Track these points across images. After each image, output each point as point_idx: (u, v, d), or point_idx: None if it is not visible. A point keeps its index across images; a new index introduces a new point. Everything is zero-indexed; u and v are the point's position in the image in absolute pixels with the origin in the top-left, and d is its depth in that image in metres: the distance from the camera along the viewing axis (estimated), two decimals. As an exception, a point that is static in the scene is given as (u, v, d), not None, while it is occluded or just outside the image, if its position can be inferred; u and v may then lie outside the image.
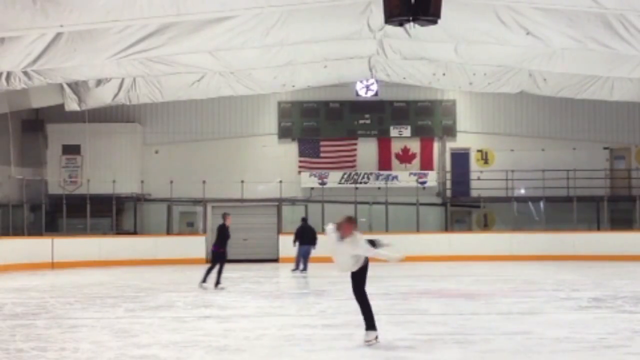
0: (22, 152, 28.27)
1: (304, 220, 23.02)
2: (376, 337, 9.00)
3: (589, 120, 29.91)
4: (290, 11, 16.85)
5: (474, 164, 30.05)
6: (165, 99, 25.68)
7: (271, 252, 27.76)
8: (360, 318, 11.36)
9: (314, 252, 21.43)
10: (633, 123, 29.98)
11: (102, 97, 24.84)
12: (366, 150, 29.86)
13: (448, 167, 30.00)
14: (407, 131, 29.88)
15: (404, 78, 26.58)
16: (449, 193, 29.94)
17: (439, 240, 27.90)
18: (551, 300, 13.80)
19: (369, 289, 16.06)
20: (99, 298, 14.83)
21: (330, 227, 9.27)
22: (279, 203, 28.67)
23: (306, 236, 21.96)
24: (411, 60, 24.07)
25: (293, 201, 29.28)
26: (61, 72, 20.87)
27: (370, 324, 9.06)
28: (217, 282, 16.77)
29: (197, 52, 19.64)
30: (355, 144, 29.93)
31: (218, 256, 17.27)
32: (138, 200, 28.88)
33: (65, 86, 24.67)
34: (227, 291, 16.37)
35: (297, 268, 21.70)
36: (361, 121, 29.91)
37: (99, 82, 24.16)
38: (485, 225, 29.82)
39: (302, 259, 21.66)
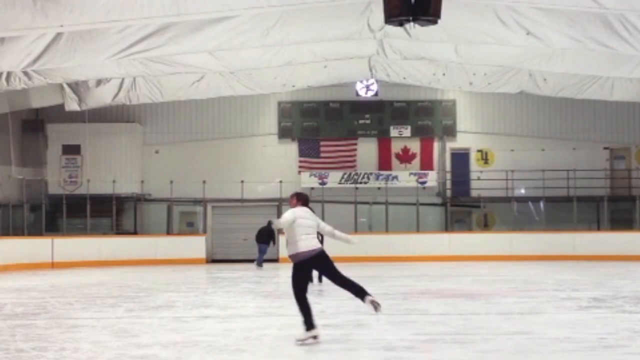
0: (22, 152, 28.28)
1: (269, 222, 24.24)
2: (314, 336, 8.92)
3: (589, 120, 29.92)
4: (290, 11, 16.85)
5: (474, 164, 30.06)
6: (165, 99, 25.67)
7: (271, 252, 27.71)
8: (360, 318, 11.38)
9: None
10: (633, 123, 29.99)
11: (102, 97, 24.84)
12: (366, 150, 29.86)
13: (448, 167, 30.00)
14: (407, 131, 29.89)
15: (404, 78, 26.57)
16: (449, 193, 29.95)
17: (439, 240, 27.91)
18: (551, 300, 13.79)
19: (368, 288, 16.05)
20: (99, 298, 14.82)
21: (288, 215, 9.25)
22: (279, 203, 28.66)
23: (261, 235, 24.74)
24: (411, 60, 24.06)
25: (293, 201, 29.23)
26: (61, 72, 20.87)
27: (310, 323, 8.94)
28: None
29: (197, 52, 19.64)
30: (355, 144, 29.93)
31: None
32: (138, 200, 28.88)
33: (65, 86, 24.67)
34: (226, 291, 16.37)
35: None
36: (361, 121, 29.91)
37: (99, 82, 24.16)
38: (485, 225, 29.82)
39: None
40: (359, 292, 9.12)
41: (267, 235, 24.46)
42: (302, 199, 9.62)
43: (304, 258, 9.03)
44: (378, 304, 8.89)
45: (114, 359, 8.13)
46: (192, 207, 29.68)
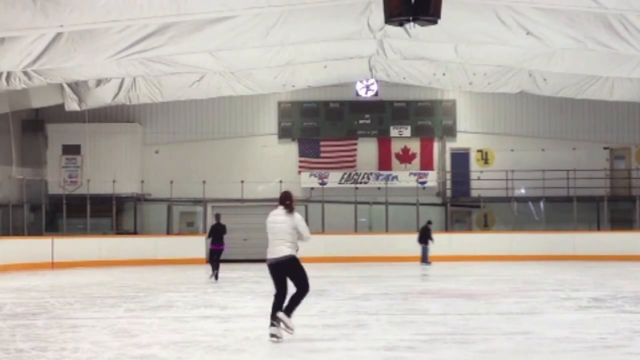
0: (22, 152, 28.27)
1: (428, 222, 26.09)
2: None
3: (589, 120, 29.92)
4: (290, 11, 16.85)
5: (474, 164, 30.06)
6: (165, 99, 25.68)
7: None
8: (360, 318, 11.38)
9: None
10: (633, 123, 29.99)
11: (102, 97, 24.84)
12: (366, 150, 29.86)
13: (448, 167, 30.00)
14: (407, 131, 29.89)
15: (404, 78, 26.58)
16: (449, 193, 29.94)
17: (439, 240, 27.86)
18: (551, 300, 13.80)
19: (368, 288, 16.08)
20: (99, 298, 14.82)
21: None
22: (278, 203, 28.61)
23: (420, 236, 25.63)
24: (411, 60, 24.07)
25: (293, 201, 29.20)
26: (61, 72, 20.86)
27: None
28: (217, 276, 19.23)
29: (197, 52, 19.64)
30: (355, 144, 29.93)
31: (220, 253, 19.75)
32: (138, 200, 28.87)
33: (65, 86, 24.67)
34: (226, 291, 16.37)
35: None
36: (361, 121, 29.91)
37: (99, 82, 24.16)
38: (485, 225, 29.81)
39: None
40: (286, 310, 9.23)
41: (423, 235, 25.24)
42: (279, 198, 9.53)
43: (268, 264, 9.34)
44: (276, 336, 9.06)
45: (114, 359, 8.13)
46: (192, 207, 29.68)
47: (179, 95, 25.58)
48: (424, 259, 25.04)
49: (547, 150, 29.49)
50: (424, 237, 25.23)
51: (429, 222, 25.90)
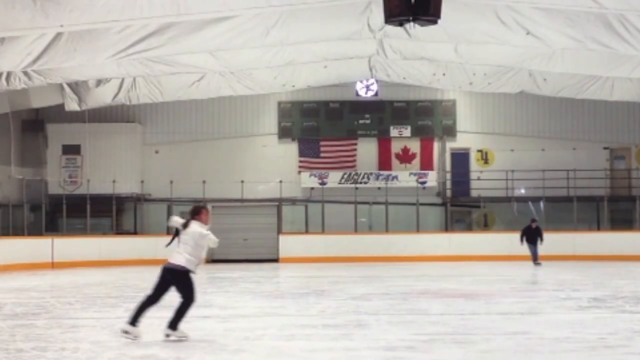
0: (22, 152, 28.27)
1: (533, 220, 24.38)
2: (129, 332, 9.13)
3: (589, 120, 29.92)
4: (290, 11, 16.86)
5: (474, 164, 30.06)
6: (165, 99, 25.68)
7: (271, 252, 27.73)
8: (359, 318, 11.38)
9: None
10: (633, 123, 29.99)
11: (102, 97, 24.85)
12: (366, 150, 29.86)
13: (448, 167, 30.00)
14: (407, 131, 29.89)
15: (404, 78, 26.58)
16: (449, 193, 29.94)
17: (439, 240, 27.89)
18: (551, 300, 13.80)
19: (368, 288, 16.09)
20: (99, 298, 14.83)
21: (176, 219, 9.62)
22: (279, 203, 28.66)
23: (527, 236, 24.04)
24: (411, 60, 24.07)
25: (293, 201, 29.27)
26: (61, 72, 20.87)
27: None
28: None
29: (197, 52, 19.64)
30: (355, 144, 29.93)
31: None
32: (138, 200, 28.87)
33: (65, 86, 24.67)
34: (226, 291, 16.37)
35: None
36: (361, 121, 29.91)
37: (99, 82, 24.16)
38: (485, 225, 29.81)
39: None
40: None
41: (531, 235, 23.82)
42: None
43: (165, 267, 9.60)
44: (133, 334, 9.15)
45: (114, 359, 8.13)
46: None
47: (179, 95, 25.58)
48: (534, 258, 23.71)
49: (547, 150, 29.50)
50: (532, 236, 23.76)
51: (534, 220, 24.33)
